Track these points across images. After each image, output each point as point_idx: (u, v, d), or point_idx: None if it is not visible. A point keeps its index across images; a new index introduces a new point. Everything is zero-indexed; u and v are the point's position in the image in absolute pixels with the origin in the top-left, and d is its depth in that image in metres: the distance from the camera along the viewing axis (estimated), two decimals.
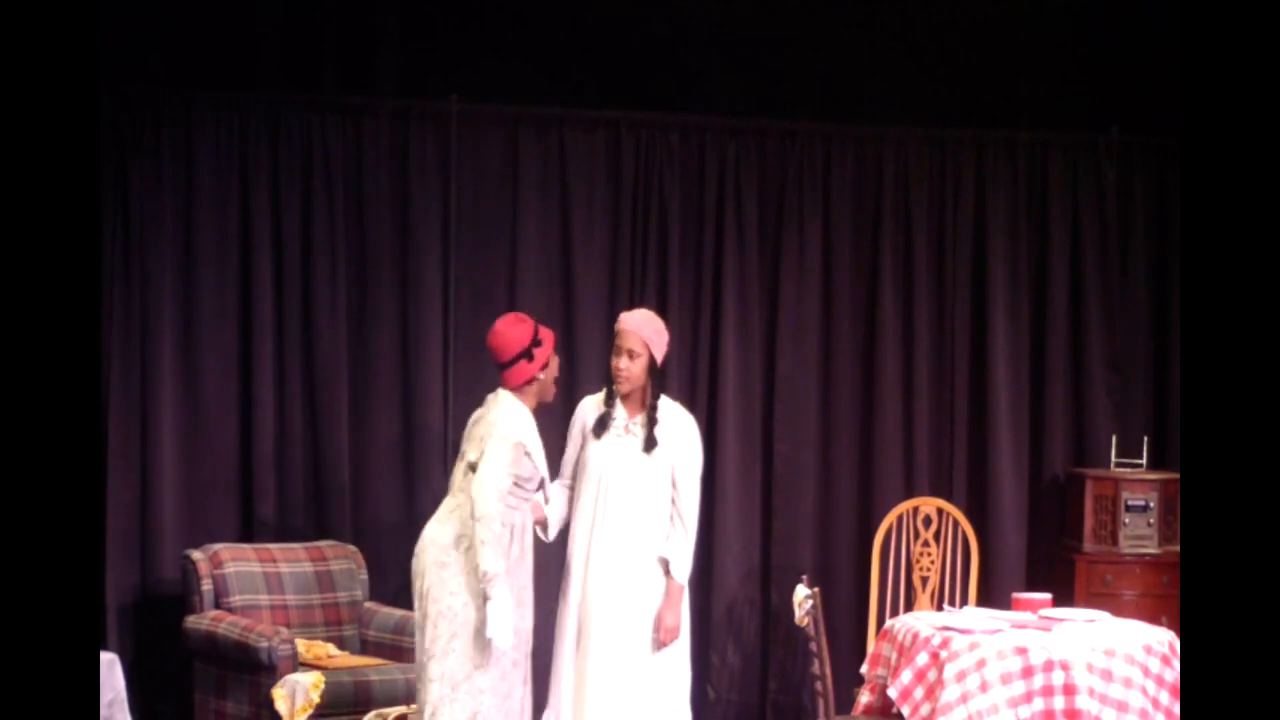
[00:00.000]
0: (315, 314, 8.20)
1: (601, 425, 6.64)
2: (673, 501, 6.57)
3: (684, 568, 6.55)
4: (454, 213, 8.36)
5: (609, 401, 6.66)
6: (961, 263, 8.85)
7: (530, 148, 8.47)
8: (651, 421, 6.59)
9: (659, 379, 6.64)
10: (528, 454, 6.32)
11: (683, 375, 8.56)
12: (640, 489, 6.56)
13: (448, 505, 6.43)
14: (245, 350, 8.13)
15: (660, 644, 6.52)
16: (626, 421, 6.62)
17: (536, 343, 6.41)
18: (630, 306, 8.51)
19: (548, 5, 8.46)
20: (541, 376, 6.42)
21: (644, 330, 6.61)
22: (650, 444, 6.57)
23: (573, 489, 6.70)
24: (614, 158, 8.55)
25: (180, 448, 8.03)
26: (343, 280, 8.24)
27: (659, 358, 6.62)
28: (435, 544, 6.32)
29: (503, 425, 6.30)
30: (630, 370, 6.59)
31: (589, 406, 6.73)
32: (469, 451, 6.41)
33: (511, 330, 6.40)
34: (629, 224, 8.56)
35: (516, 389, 6.42)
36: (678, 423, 6.63)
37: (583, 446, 6.68)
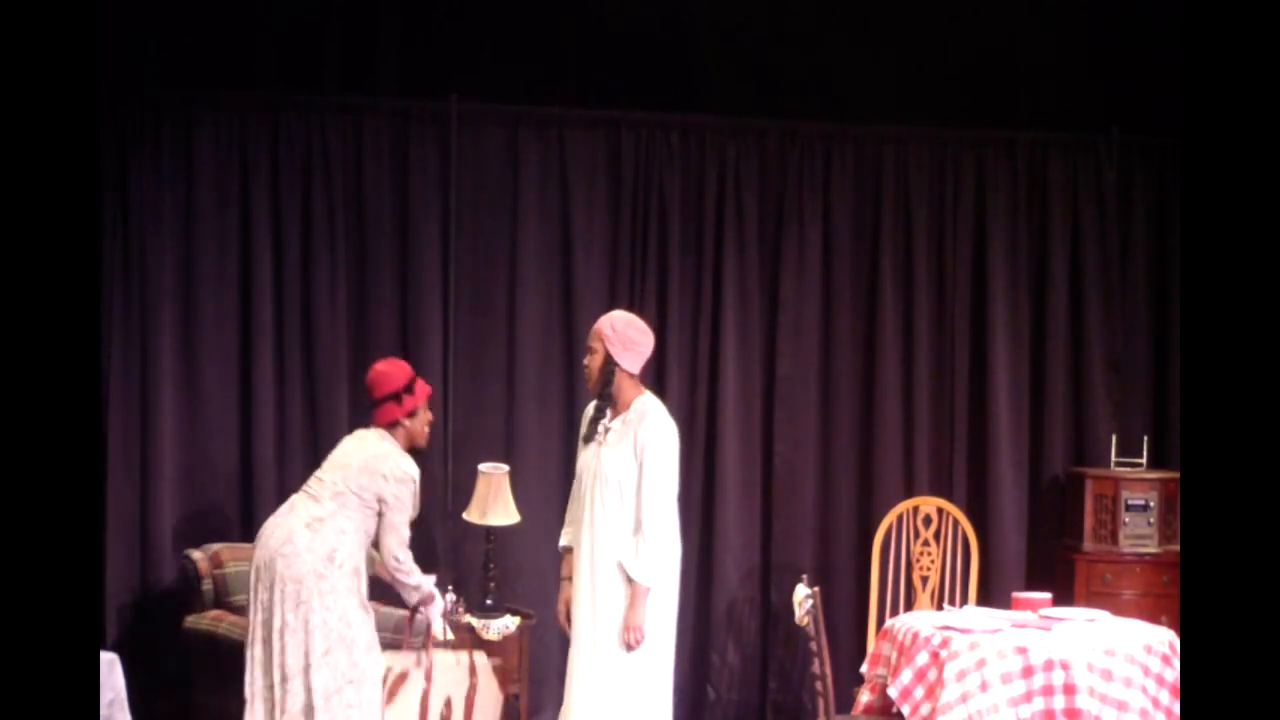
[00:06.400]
0: (315, 314, 8.20)
1: (591, 429, 6.66)
2: (637, 503, 6.55)
3: (644, 570, 6.47)
4: (454, 213, 8.36)
5: (598, 405, 6.68)
6: (961, 263, 8.85)
7: (530, 148, 8.47)
8: (600, 414, 6.61)
9: (611, 376, 6.60)
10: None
11: (683, 375, 8.56)
12: (609, 489, 6.54)
13: (314, 511, 6.43)
14: (245, 350, 8.13)
15: (626, 645, 6.50)
16: (605, 423, 6.63)
17: (409, 390, 6.63)
18: (630, 306, 8.52)
19: (548, 5, 8.46)
20: (407, 423, 6.62)
21: (603, 326, 6.62)
22: (591, 437, 6.60)
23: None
24: (614, 158, 8.55)
25: (180, 448, 8.04)
26: (343, 280, 8.24)
27: (618, 356, 6.56)
28: (311, 552, 6.35)
29: (395, 463, 6.51)
30: (589, 367, 6.65)
31: (587, 413, 6.74)
32: (343, 475, 6.49)
33: (388, 371, 6.67)
34: (629, 224, 8.56)
35: (384, 426, 6.61)
36: (648, 424, 6.55)
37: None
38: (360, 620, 6.40)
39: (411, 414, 6.63)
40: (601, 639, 6.52)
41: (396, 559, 6.48)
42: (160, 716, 7.85)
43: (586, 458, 6.65)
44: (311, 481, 6.54)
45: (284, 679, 6.38)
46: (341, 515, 6.43)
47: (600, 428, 6.62)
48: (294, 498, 6.55)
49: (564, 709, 6.63)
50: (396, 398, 6.60)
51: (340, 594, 6.38)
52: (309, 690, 6.34)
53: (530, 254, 8.46)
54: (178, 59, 8.09)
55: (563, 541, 6.76)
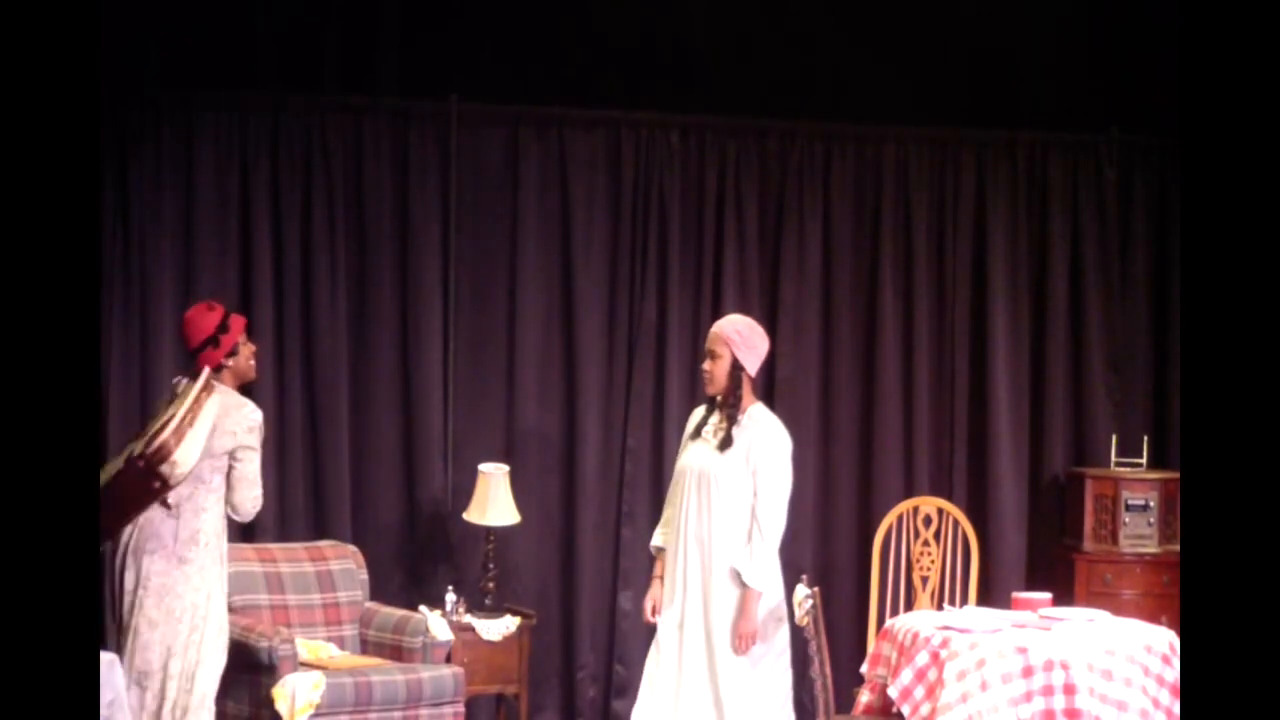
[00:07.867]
0: (315, 314, 8.19)
1: (698, 430, 6.64)
2: (753, 508, 6.56)
3: (757, 575, 6.49)
4: (454, 213, 8.36)
5: (708, 408, 6.66)
6: (961, 263, 8.85)
7: (530, 148, 8.47)
8: (730, 421, 6.56)
9: (739, 380, 6.59)
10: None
11: (683, 375, 8.55)
12: (719, 491, 6.52)
13: (170, 499, 6.44)
14: None
15: (737, 650, 6.50)
16: (716, 425, 6.60)
17: (223, 329, 6.52)
18: (630, 306, 8.54)
19: (548, 5, 8.45)
20: (230, 363, 6.53)
21: (726, 330, 6.59)
22: (725, 443, 6.53)
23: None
24: (614, 158, 8.55)
25: None
26: (343, 280, 8.24)
27: (744, 360, 6.55)
28: (175, 539, 6.37)
29: (242, 414, 6.46)
30: (712, 372, 6.59)
31: (696, 415, 6.73)
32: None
33: (195, 318, 6.54)
34: (629, 224, 8.56)
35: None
36: (763, 430, 6.56)
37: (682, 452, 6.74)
38: (219, 593, 6.43)
39: (232, 352, 6.52)
40: (708, 642, 6.52)
41: (250, 510, 6.50)
42: None
43: (689, 459, 6.62)
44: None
45: (143, 676, 6.37)
46: (199, 492, 6.40)
47: (711, 430, 6.59)
48: None
49: (643, 710, 6.61)
50: (213, 341, 6.49)
51: (208, 570, 6.40)
52: (179, 675, 6.36)
53: (530, 254, 8.46)
54: (178, 59, 8.08)
55: (656, 541, 6.77)
